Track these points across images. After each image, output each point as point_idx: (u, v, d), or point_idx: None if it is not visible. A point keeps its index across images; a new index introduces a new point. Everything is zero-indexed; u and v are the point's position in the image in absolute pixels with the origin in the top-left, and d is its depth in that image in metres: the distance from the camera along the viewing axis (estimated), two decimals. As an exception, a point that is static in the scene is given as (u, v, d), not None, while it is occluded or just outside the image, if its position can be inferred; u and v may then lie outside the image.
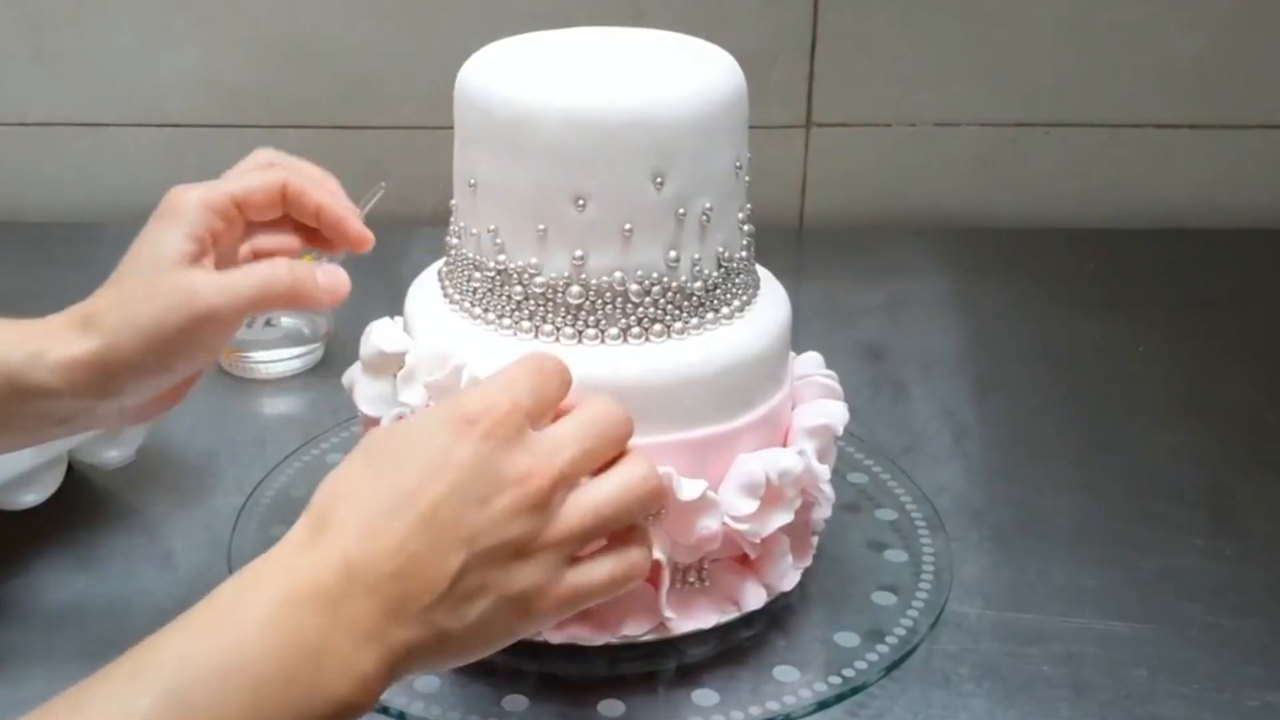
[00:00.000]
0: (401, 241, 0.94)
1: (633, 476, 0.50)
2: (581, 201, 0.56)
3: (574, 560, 0.49)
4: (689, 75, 0.58)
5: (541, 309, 0.57)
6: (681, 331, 0.58)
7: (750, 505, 0.57)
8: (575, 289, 0.57)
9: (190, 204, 0.59)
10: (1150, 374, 0.90)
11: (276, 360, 0.88)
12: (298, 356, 0.89)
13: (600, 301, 0.57)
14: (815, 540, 0.65)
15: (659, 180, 0.56)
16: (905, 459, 0.77)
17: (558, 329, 0.57)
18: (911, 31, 1.09)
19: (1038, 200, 1.15)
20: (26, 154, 1.13)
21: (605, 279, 0.57)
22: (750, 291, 0.61)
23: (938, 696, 0.60)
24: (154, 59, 1.10)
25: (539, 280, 0.57)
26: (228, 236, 0.59)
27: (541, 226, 0.56)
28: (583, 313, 0.57)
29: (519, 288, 0.58)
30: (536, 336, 0.58)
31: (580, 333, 0.57)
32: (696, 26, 0.64)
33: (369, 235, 0.61)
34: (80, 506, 0.73)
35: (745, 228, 0.61)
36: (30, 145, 1.13)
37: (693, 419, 0.57)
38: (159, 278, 0.56)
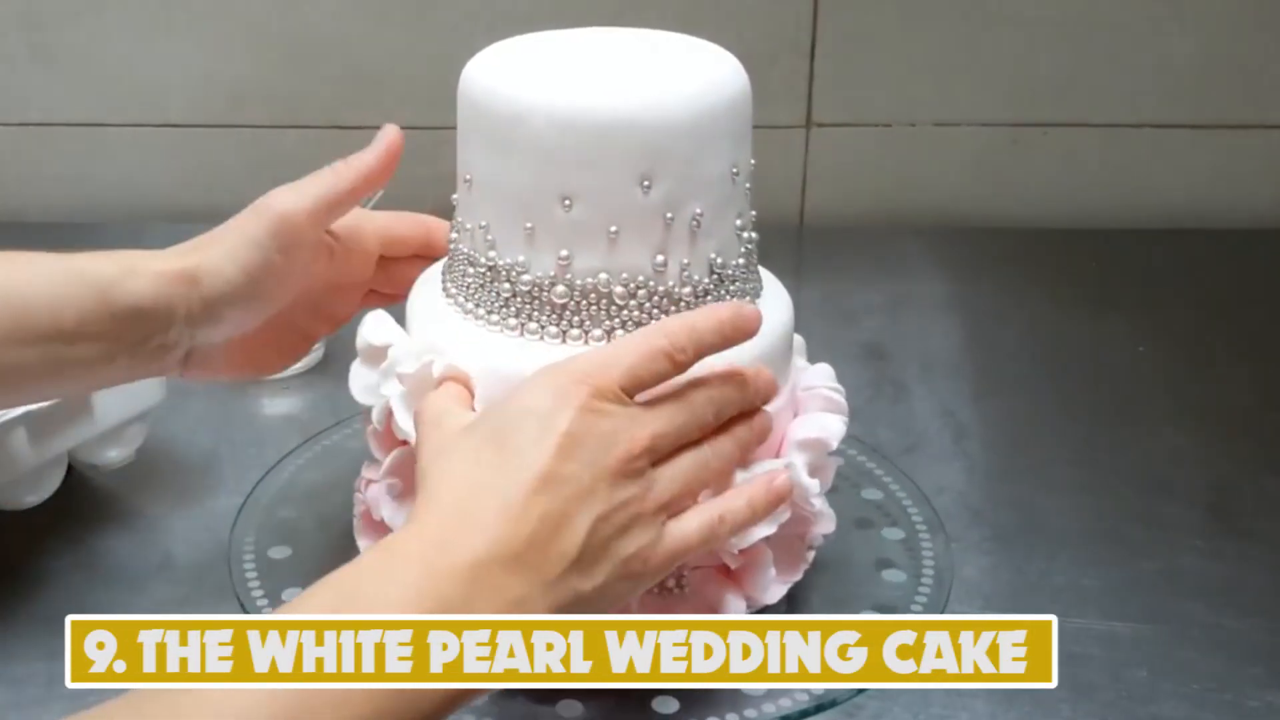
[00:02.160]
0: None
1: (717, 456, 0.53)
2: (568, 201, 0.56)
3: (669, 519, 0.51)
4: (682, 79, 0.57)
5: (528, 307, 0.58)
6: None
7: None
8: (560, 288, 0.57)
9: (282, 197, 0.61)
10: (1150, 374, 0.90)
11: (276, 360, 0.88)
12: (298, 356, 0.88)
13: (585, 302, 0.57)
14: (811, 555, 0.64)
15: (646, 183, 0.55)
16: (905, 459, 0.77)
17: (543, 327, 0.57)
18: (911, 31, 1.09)
19: (1038, 200, 1.15)
20: (26, 154, 1.13)
21: (590, 280, 0.57)
22: (746, 300, 0.60)
23: (938, 696, 0.60)
24: (154, 59, 1.10)
25: (526, 278, 0.57)
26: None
27: (529, 225, 0.57)
28: (567, 312, 0.57)
29: (507, 285, 0.58)
30: (522, 334, 0.58)
31: (565, 332, 0.57)
32: (696, 27, 0.64)
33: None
34: (80, 506, 0.73)
35: (744, 235, 0.60)
36: (30, 145, 1.13)
37: None
38: (247, 213, 0.60)
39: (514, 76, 0.57)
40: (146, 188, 1.14)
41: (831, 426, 0.62)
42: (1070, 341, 0.94)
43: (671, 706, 0.58)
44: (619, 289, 0.57)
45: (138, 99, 1.12)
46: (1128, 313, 0.98)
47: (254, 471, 0.74)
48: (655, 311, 0.57)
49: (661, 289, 0.57)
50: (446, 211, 0.62)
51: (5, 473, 0.68)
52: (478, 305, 0.59)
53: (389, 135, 0.62)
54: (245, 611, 0.62)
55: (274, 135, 1.11)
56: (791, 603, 0.63)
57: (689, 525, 0.52)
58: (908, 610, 0.63)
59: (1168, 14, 1.08)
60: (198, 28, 1.09)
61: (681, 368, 0.52)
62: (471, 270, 0.59)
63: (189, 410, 0.83)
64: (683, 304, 0.58)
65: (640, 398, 0.51)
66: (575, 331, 0.57)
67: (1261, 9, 1.08)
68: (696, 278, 0.58)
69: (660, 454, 0.51)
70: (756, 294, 0.62)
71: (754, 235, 0.61)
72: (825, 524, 0.64)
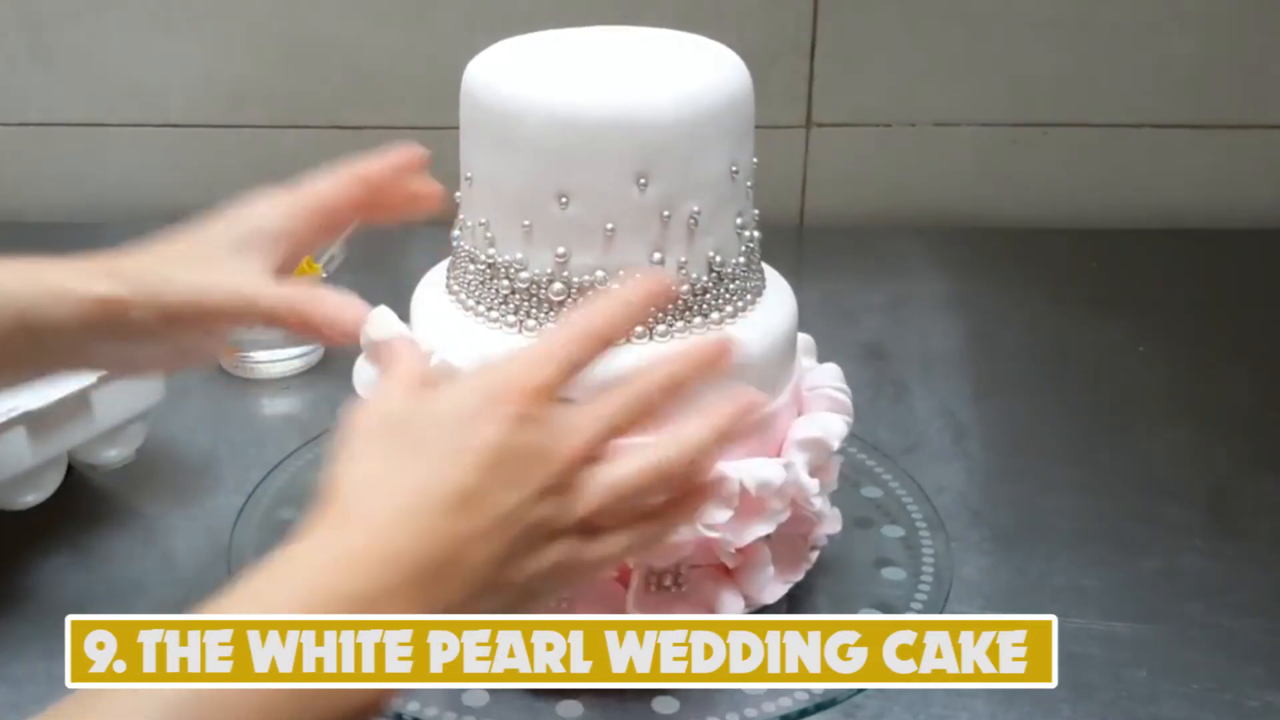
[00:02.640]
0: (402, 241, 0.94)
1: (653, 458, 0.48)
2: (564, 199, 0.56)
3: (595, 531, 0.47)
4: (679, 78, 0.57)
5: (526, 304, 0.58)
6: (665, 335, 0.58)
7: (723, 514, 0.57)
8: (558, 285, 0.57)
9: (264, 208, 0.57)
10: (1150, 374, 0.90)
11: (276, 360, 0.88)
12: (298, 356, 0.88)
13: (582, 299, 0.57)
14: (814, 555, 0.64)
15: (642, 181, 0.55)
16: (905, 459, 0.77)
17: (540, 324, 0.58)
18: (911, 31, 1.09)
19: (1038, 200, 1.15)
20: (26, 154, 1.13)
21: (587, 277, 0.57)
22: (747, 298, 0.61)
23: (937, 696, 0.60)
24: (154, 59, 1.10)
25: (524, 275, 0.58)
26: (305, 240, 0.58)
27: (527, 222, 0.57)
28: (565, 309, 0.57)
29: (506, 281, 0.58)
30: (520, 331, 0.58)
31: None
32: (697, 26, 0.64)
33: (433, 189, 0.60)
34: (80, 506, 0.73)
35: (745, 233, 0.60)
36: (30, 145, 1.13)
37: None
38: (198, 249, 0.55)
39: (512, 74, 0.57)
40: (146, 188, 1.14)
41: (833, 426, 0.62)
42: (1070, 341, 0.94)
43: (672, 707, 0.58)
44: (616, 286, 0.56)
45: (138, 99, 1.12)
46: (1128, 313, 0.98)
47: (254, 471, 0.75)
48: (652, 309, 0.57)
49: None
50: (448, 212, 0.62)
51: (5, 472, 0.68)
52: (478, 302, 0.59)
53: (349, 318, 0.55)
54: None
55: (274, 135, 1.11)
56: (792, 601, 0.64)
57: (613, 543, 0.48)
58: (907, 609, 0.64)
59: (1168, 14, 1.08)
60: (198, 28, 1.09)
61: (603, 344, 0.48)
62: (472, 267, 0.60)
63: (189, 410, 0.83)
64: (680, 302, 0.58)
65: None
66: None
67: (1261, 9, 1.08)
68: (695, 276, 0.58)
69: (598, 455, 0.47)
70: (758, 292, 0.62)
71: (756, 234, 0.61)
72: (830, 524, 0.64)
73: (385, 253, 0.93)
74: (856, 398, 0.65)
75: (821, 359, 0.67)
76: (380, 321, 0.61)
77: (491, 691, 0.59)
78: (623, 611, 0.57)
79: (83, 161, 1.14)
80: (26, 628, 0.65)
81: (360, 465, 0.45)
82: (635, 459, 0.47)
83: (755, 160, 0.61)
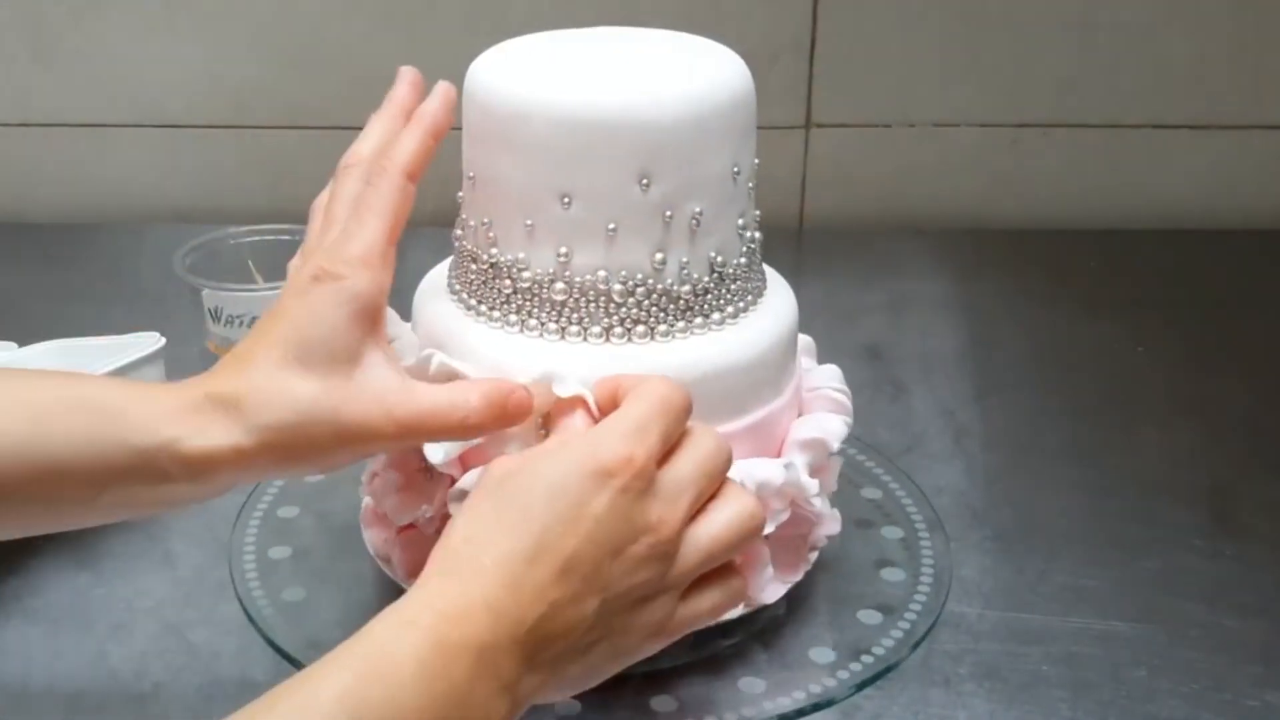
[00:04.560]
0: (402, 241, 0.93)
1: (741, 513, 0.50)
2: (566, 199, 0.56)
3: (688, 590, 0.50)
4: (682, 78, 0.57)
5: (528, 304, 0.58)
6: (666, 335, 0.58)
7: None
8: (559, 285, 0.57)
9: (357, 269, 0.52)
10: (1150, 374, 0.90)
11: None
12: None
13: (584, 300, 0.57)
14: (814, 556, 0.64)
15: (645, 181, 0.55)
16: (905, 459, 0.77)
17: (542, 324, 0.58)
18: (911, 31, 1.09)
19: (1038, 200, 1.15)
20: (26, 154, 1.13)
21: (589, 277, 0.57)
22: (748, 299, 0.61)
23: (937, 696, 0.61)
24: (154, 59, 1.10)
25: (526, 275, 0.58)
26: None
27: (529, 222, 0.57)
28: (566, 309, 0.57)
29: (508, 281, 0.58)
30: (522, 330, 0.58)
31: (564, 329, 0.57)
32: (697, 26, 0.64)
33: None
34: (80, 506, 0.73)
35: (747, 234, 0.60)
36: (30, 145, 1.13)
37: None
38: (319, 365, 0.50)
39: (514, 74, 0.57)
40: (147, 188, 1.14)
41: (831, 427, 0.62)
42: (1070, 341, 0.94)
43: (670, 705, 0.58)
44: (618, 286, 0.57)
45: (138, 99, 1.12)
46: (1128, 313, 0.98)
47: (254, 471, 0.74)
48: (654, 310, 0.57)
49: (660, 287, 0.57)
50: (450, 211, 0.62)
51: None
52: (480, 302, 0.59)
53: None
54: (245, 611, 0.63)
55: (275, 136, 1.11)
56: (791, 602, 0.64)
57: (706, 600, 0.51)
58: (907, 609, 0.64)
59: (1168, 14, 1.08)
60: (199, 28, 1.09)
61: (688, 414, 0.51)
62: (474, 267, 0.60)
63: (189, 410, 0.83)
64: (681, 302, 0.58)
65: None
66: (574, 329, 0.57)
67: (1261, 9, 1.08)
68: (696, 276, 0.58)
69: (689, 524, 0.49)
70: (759, 293, 0.62)
71: (758, 235, 0.61)
72: (830, 525, 0.64)
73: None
74: (856, 398, 0.65)
75: (821, 359, 0.68)
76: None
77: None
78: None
79: (83, 161, 1.14)
80: (26, 628, 0.65)
81: (471, 522, 0.47)
82: (722, 517, 0.50)
83: (756, 161, 0.61)
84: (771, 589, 0.61)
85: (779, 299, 0.63)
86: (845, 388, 0.65)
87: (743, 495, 0.51)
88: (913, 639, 0.61)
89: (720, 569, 0.51)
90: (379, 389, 0.50)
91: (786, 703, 0.58)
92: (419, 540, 0.61)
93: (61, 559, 0.69)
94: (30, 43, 1.09)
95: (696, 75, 0.58)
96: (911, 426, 0.82)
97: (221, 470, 0.49)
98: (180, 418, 0.49)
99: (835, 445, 0.62)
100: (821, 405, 0.64)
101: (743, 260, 0.60)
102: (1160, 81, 1.11)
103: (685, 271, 0.58)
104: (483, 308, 0.59)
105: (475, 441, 0.54)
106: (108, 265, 1.05)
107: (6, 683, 0.61)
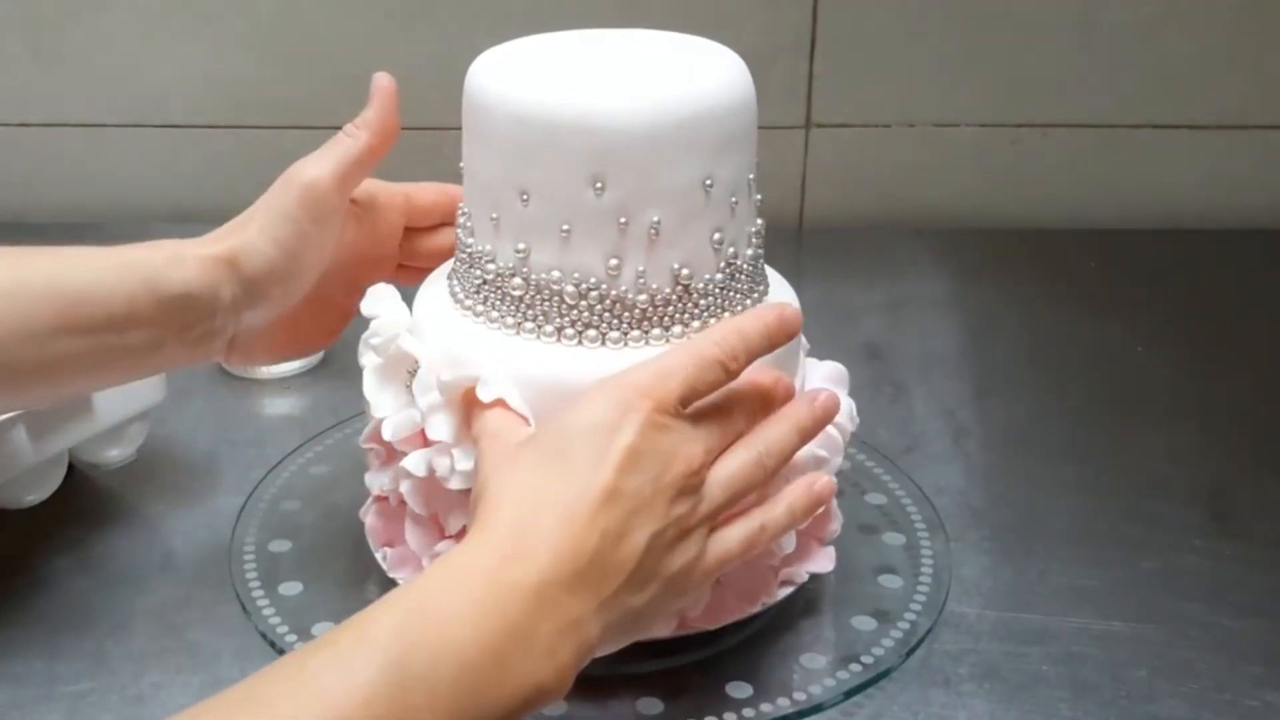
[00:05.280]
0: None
1: (754, 455, 0.53)
2: (526, 196, 0.56)
3: (716, 529, 0.52)
4: (648, 86, 0.56)
5: (493, 296, 0.59)
6: (618, 342, 0.57)
7: None
8: (518, 281, 0.58)
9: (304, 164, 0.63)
10: (1150, 374, 0.90)
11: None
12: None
13: (540, 297, 0.57)
14: (784, 591, 0.62)
15: (598, 185, 0.55)
16: (905, 459, 0.77)
17: (502, 317, 0.58)
18: (911, 31, 1.09)
19: (1037, 200, 1.15)
20: (27, 154, 1.13)
21: (544, 276, 0.57)
22: (724, 315, 0.59)
23: (937, 696, 0.60)
24: (154, 59, 1.10)
25: (491, 267, 0.59)
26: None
27: (495, 215, 0.58)
28: (524, 305, 0.58)
29: (478, 272, 0.59)
30: (486, 321, 0.59)
31: (520, 324, 0.58)
32: (696, 27, 0.64)
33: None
34: (80, 506, 0.73)
35: (725, 249, 0.58)
36: (30, 145, 1.13)
37: None
38: (275, 188, 0.62)
39: (494, 71, 0.58)
40: (147, 188, 1.14)
41: (795, 460, 0.58)
42: (1070, 341, 0.94)
43: (656, 708, 0.58)
44: (570, 288, 0.56)
45: (138, 99, 1.12)
46: (1128, 313, 0.98)
47: (254, 471, 0.75)
48: (607, 315, 0.57)
49: (614, 293, 0.56)
50: (450, 212, 0.63)
51: (5, 471, 0.68)
52: (459, 289, 0.61)
53: (380, 83, 0.65)
54: (244, 608, 0.63)
55: (275, 136, 1.11)
56: (787, 607, 0.63)
57: (732, 536, 0.53)
58: (906, 610, 0.64)
59: (1168, 14, 1.08)
60: (199, 28, 1.09)
61: (734, 375, 0.53)
62: (460, 255, 0.61)
63: (189, 410, 0.83)
64: (637, 310, 0.57)
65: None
66: (530, 325, 0.58)
67: (1261, 9, 1.08)
68: (655, 286, 0.57)
69: (710, 466, 0.52)
70: (730, 308, 0.59)
71: (749, 251, 0.60)
72: (818, 562, 0.63)
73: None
74: (856, 398, 0.65)
75: (821, 359, 0.67)
76: (374, 299, 0.62)
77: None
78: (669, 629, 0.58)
79: (83, 161, 1.14)
80: (26, 628, 0.65)
81: (509, 475, 0.50)
82: (739, 458, 0.53)
83: (751, 176, 0.59)
84: (715, 613, 0.59)
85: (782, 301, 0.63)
86: (847, 423, 0.63)
87: (755, 442, 0.53)
88: (907, 644, 0.61)
89: (742, 510, 0.53)
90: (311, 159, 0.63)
91: (769, 710, 0.58)
92: (387, 511, 0.63)
93: (62, 560, 0.69)
94: (30, 43, 1.09)
95: (665, 84, 0.56)
96: (911, 427, 0.82)
97: (225, 265, 0.59)
98: (180, 244, 0.60)
99: (794, 476, 0.58)
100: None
101: (719, 277, 0.58)
102: (1160, 81, 1.11)
103: (642, 280, 0.57)
104: (460, 294, 0.61)
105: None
106: (108, 265, 1.05)
107: (6, 683, 0.61)
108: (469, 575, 0.46)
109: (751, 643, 0.62)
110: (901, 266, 1.07)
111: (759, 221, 0.61)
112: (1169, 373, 0.90)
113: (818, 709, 0.58)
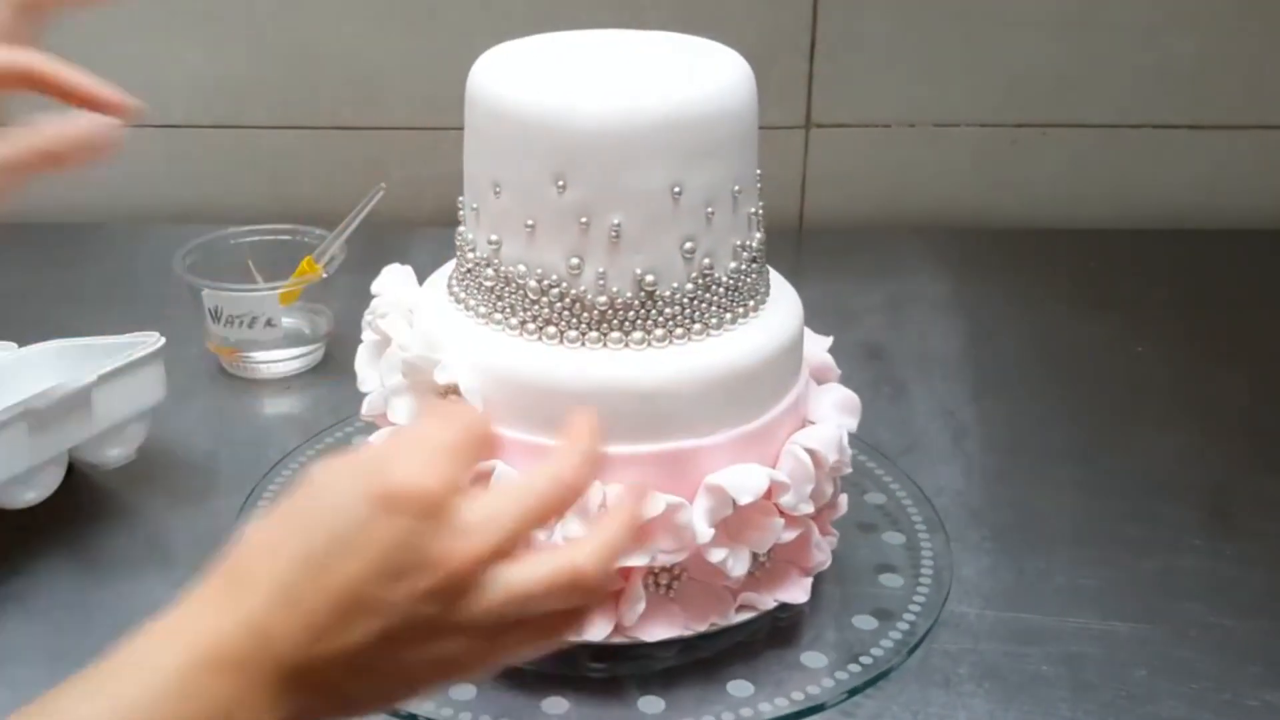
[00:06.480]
0: (402, 241, 0.94)
1: (562, 568, 0.45)
2: (497, 188, 0.58)
3: (493, 630, 0.45)
4: (618, 89, 0.56)
5: (472, 284, 0.60)
6: (575, 341, 0.57)
7: (707, 532, 0.56)
8: (489, 271, 0.59)
9: None
10: (1150, 374, 0.90)
11: (276, 360, 0.88)
12: (298, 356, 0.89)
13: (508, 290, 0.58)
14: (738, 616, 0.61)
15: (560, 184, 0.56)
16: (905, 459, 0.77)
17: (476, 306, 0.60)
18: (911, 31, 1.09)
19: (1037, 200, 1.15)
20: (27, 154, 1.13)
21: (512, 269, 0.58)
22: (694, 327, 0.58)
23: (937, 696, 0.61)
24: (154, 59, 1.10)
25: (470, 256, 0.60)
26: None
27: (475, 205, 0.60)
28: (494, 296, 0.59)
29: (463, 260, 0.61)
30: (464, 308, 0.60)
31: (489, 315, 0.59)
32: (696, 27, 0.64)
33: (125, 100, 0.61)
34: (80, 506, 0.73)
35: (698, 260, 0.57)
36: (30, 145, 1.13)
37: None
38: None
39: (485, 67, 0.59)
40: (146, 188, 1.14)
41: (750, 484, 0.57)
42: (1070, 341, 0.94)
43: (657, 707, 0.58)
44: (533, 283, 0.57)
45: (138, 99, 1.11)
46: (1128, 313, 0.98)
47: (254, 471, 0.75)
48: (566, 314, 0.57)
49: (574, 292, 0.57)
50: (450, 211, 0.63)
51: (5, 470, 0.68)
52: (454, 276, 0.63)
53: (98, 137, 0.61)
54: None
55: (274, 136, 1.11)
56: (788, 606, 0.63)
57: (516, 642, 0.46)
58: (906, 611, 0.64)
59: (1168, 14, 1.08)
60: (198, 28, 1.09)
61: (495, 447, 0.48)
62: (457, 241, 0.63)
63: (189, 410, 0.83)
64: (596, 311, 0.57)
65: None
66: (498, 316, 0.59)
67: (1261, 9, 1.08)
68: (615, 289, 0.57)
69: (506, 553, 0.44)
70: (721, 323, 0.59)
71: (730, 265, 0.59)
72: (793, 592, 0.61)
73: (386, 252, 0.93)
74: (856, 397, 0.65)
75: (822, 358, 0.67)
76: (386, 277, 0.65)
77: (478, 686, 0.59)
78: (615, 613, 0.57)
79: (83, 161, 1.14)
80: (26, 627, 0.65)
81: (261, 533, 0.45)
82: (545, 566, 0.45)
83: (737, 189, 0.58)
84: (650, 629, 0.58)
85: (783, 304, 0.62)
86: (837, 456, 0.62)
87: (574, 549, 0.45)
88: (908, 644, 0.61)
89: (546, 617, 0.46)
90: None
91: (768, 710, 0.58)
92: None
93: (62, 559, 0.69)
94: (30, 43, 1.09)
95: (638, 89, 0.56)
96: (911, 426, 0.82)
97: None
98: None
99: (745, 499, 0.57)
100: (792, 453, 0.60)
101: (689, 287, 0.58)
102: (1160, 81, 1.11)
103: (603, 282, 0.57)
104: (452, 282, 0.63)
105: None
106: (108, 265, 1.05)
107: (7, 683, 0.61)
108: (172, 648, 0.42)
109: (752, 642, 0.62)
110: (901, 266, 1.06)
111: (757, 235, 0.60)
112: (1169, 373, 0.90)
113: (818, 708, 0.58)
